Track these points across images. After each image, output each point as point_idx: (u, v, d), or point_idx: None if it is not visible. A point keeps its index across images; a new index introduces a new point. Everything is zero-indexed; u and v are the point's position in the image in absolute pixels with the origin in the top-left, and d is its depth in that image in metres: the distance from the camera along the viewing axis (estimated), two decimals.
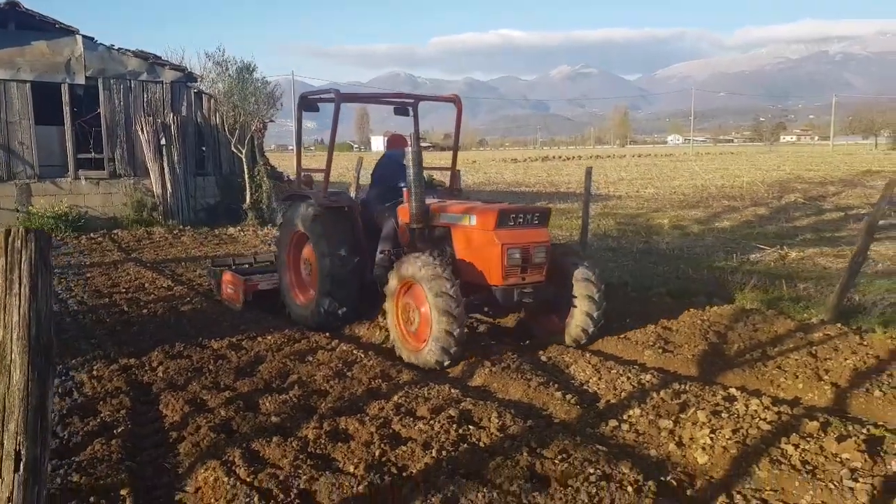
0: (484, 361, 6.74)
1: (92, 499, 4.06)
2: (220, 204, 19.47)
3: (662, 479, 4.33)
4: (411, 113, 9.34)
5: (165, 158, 18.27)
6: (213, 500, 4.10)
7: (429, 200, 7.60)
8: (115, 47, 18.63)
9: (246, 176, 18.63)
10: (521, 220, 7.00)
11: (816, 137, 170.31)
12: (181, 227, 17.95)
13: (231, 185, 19.48)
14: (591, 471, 4.30)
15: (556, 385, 5.99)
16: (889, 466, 4.43)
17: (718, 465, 4.61)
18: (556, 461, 4.46)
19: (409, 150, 7.09)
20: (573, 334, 7.22)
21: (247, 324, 8.20)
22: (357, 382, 6.12)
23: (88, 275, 11.99)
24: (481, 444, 4.77)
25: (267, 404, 5.57)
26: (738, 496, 4.07)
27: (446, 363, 6.57)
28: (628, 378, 6.11)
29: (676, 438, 4.99)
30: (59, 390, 6.07)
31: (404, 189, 7.70)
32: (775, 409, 5.26)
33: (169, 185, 18.29)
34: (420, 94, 9.47)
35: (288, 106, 28.59)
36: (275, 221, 18.63)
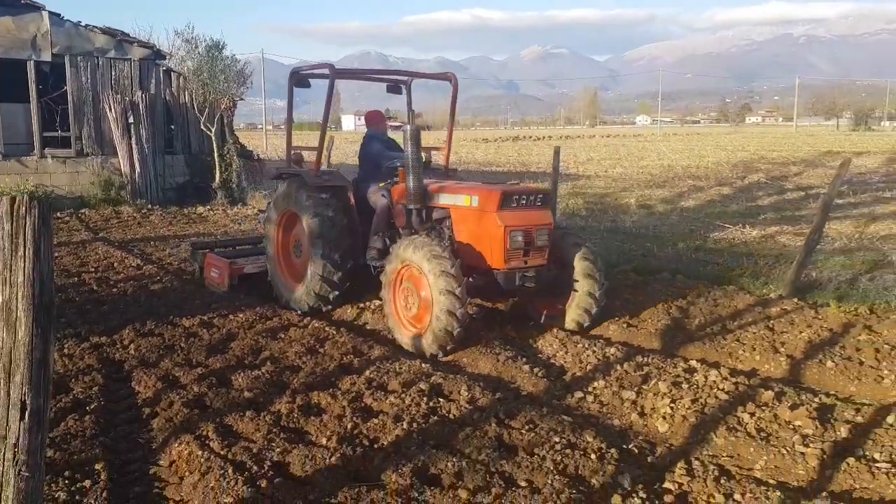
0: None
1: (67, 473, 4.12)
2: (189, 183, 19.31)
3: (625, 446, 4.52)
4: (404, 91, 9.15)
5: (133, 137, 18.05)
6: (187, 473, 4.19)
7: (425, 181, 7.40)
8: (83, 24, 18.29)
9: (215, 155, 18.50)
10: (524, 202, 6.80)
11: (780, 119, 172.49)
12: (149, 206, 17.79)
13: (200, 163, 19.31)
14: (557, 440, 4.47)
15: (524, 359, 6.17)
16: (838, 433, 4.67)
17: (678, 433, 4.82)
18: (524, 431, 4.62)
19: (407, 128, 6.86)
20: (574, 319, 7.03)
21: (218, 302, 8.23)
22: (329, 358, 6.22)
23: (56, 254, 11.87)
24: (451, 416, 4.91)
25: (239, 380, 5.65)
26: (697, 462, 4.26)
27: (448, 349, 6.37)
28: (593, 352, 6.30)
29: (639, 408, 5.19)
30: None
31: (399, 168, 7.56)
32: (733, 379, 5.48)
33: (137, 164, 18.09)
34: (415, 72, 9.25)
35: (257, 84, 28.35)
36: (245, 200, 18.56)
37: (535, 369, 5.92)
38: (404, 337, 6.73)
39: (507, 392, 5.51)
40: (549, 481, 3.93)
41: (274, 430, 4.68)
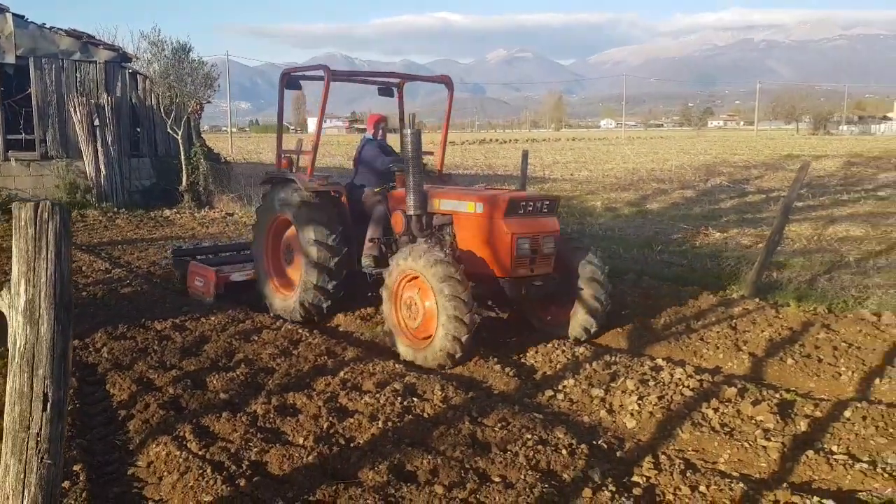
0: None
1: None
2: (155, 186, 19.13)
3: (594, 442, 4.66)
4: (396, 94, 8.86)
5: (99, 140, 17.84)
6: (165, 473, 4.24)
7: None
8: (47, 26, 18.04)
9: (182, 158, 18.36)
10: (531, 209, 6.61)
11: (742, 122, 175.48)
12: (116, 209, 17.59)
13: (167, 166, 19.14)
14: (529, 436, 4.59)
15: (496, 359, 6.29)
16: (798, 427, 4.87)
17: (645, 428, 4.97)
18: (496, 429, 4.74)
19: (407, 131, 6.64)
20: (578, 328, 6.83)
21: (189, 305, 8.23)
22: (303, 360, 6.28)
23: None
24: (425, 415, 5.01)
25: (215, 382, 5.69)
26: (664, 456, 4.41)
27: (456, 358, 6.10)
28: (563, 351, 6.45)
29: (607, 405, 5.35)
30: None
31: (397, 173, 7.42)
32: (697, 377, 5.67)
33: (103, 167, 17.88)
34: (411, 74, 9.06)
35: (222, 86, 28.15)
36: (212, 204, 18.45)
37: (507, 369, 6.05)
38: (409, 349, 6.47)
39: (480, 391, 5.63)
40: (522, 476, 4.05)
41: (251, 430, 4.74)
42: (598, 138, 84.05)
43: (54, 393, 2.72)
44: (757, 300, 7.93)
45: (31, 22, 17.82)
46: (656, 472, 4.20)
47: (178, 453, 4.36)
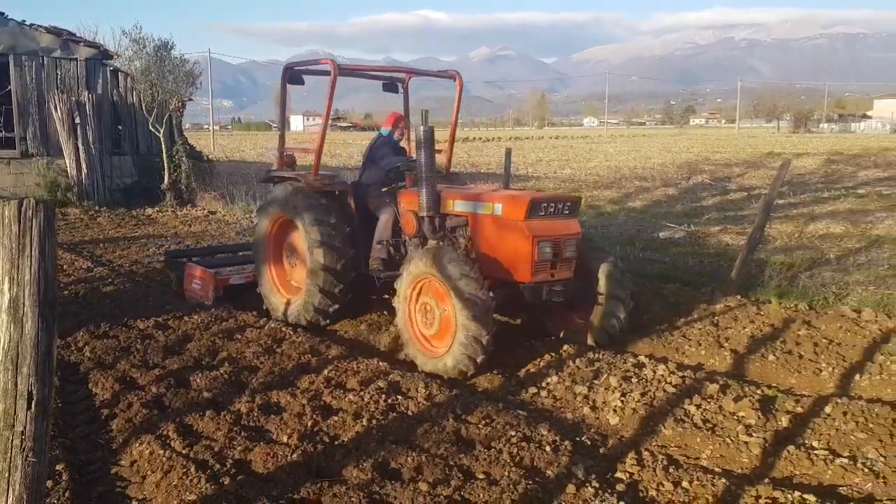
0: None
1: None
2: (137, 184, 19.00)
3: (578, 439, 4.70)
4: (401, 89, 8.60)
5: (80, 138, 17.69)
6: (149, 472, 4.22)
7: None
8: (27, 23, 17.86)
9: (164, 156, 18.23)
10: (553, 210, 6.31)
11: (723, 121, 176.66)
12: (97, 207, 17.45)
13: (149, 164, 19.02)
14: (513, 433, 4.61)
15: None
16: (779, 423, 4.92)
17: (628, 425, 5.01)
18: (481, 426, 4.76)
19: (421, 128, 6.36)
20: (598, 334, 6.60)
21: (172, 303, 8.18)
22: (287, 358, 6.27)
23: None
24: (410, 413, 5.03)
25: (198, 381, 5.67)
26: (646, 452, 4.45)
27: (473, 369, 5.83)
28: (546, 349, 6.48)
29: (590, 402, 5.38)
30: None
31: (406, 172, 7.20)
32: (680, 373, 5.71)
33: (84, 165, 17.73)
34: (418, 69, 8.79)
35: (204, 84, 27.92)
36: (194, 202, 18.34)
37: (491, 366, 6.05)
38: (423, 357, 6.18)
39: (464, 388, 5.64)
40: (506, 473, 4.07)
41: (235, 428, 4.73)
42: (580, 136, 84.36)
43: (39, 391, 2.70)
44: (738, 297, 8.00)
45: (11, 19, 17.65)
46: (639, 468, 4.23)
47: (161, 452, 4.35)
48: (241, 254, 9.51)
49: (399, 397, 5.28)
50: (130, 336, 6.95)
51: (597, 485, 3.98)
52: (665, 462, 4.27)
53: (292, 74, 7.67)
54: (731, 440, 4.70)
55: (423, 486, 3.94)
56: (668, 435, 4.85)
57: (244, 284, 8.37)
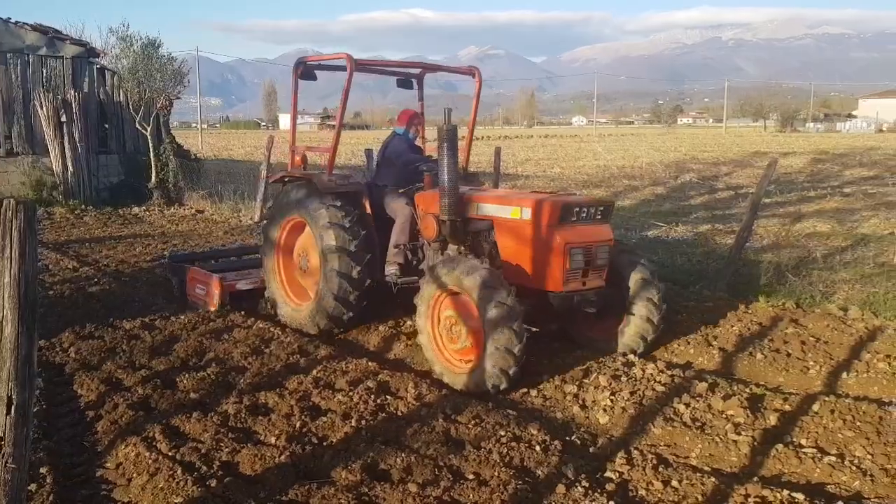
0: (400, 335, 6.98)
1: None
2: (124, 183, 18.85)
3: (568, 438, 4.69)
4: (415, 86, 8.30)
5: (66, 136, 17.52)
6: (135, 475, 4.19)
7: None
8: (13, 20, 17.69)
9: (151, 154, 18.10)
10: (585, 215, 5.99)
11: (711, 120, 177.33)
12: (83, 207, 17.30)
13: (136, 163, 18.88)
14: (503, 433, 4.61)
15: None
16: (768, 421, 4.93)
17: (618, 424, 5.01)
18: (470, 426, 4.74)
19: (444, 127, 5.96)
20: (629, 343, 6.27)
21: (159, 304, 8.12)
22: (275, 358, 6.23)
23: None
24: (399, 413, 5.01)
25: (185, 382, 5.63)
26: (636, 451, 4.45)
27: (506, 382, 5.43)
28: (536, 348, 6.45)
29: (580, 401, 5.37)
30: None
31: (426, 173, 6.89)
32: (669, 372, 5.72)
33: (70, 164, 17.57)
34: (436, 65, 8.41)
35: (192, 82, 27.79)
36: (182, 201, 18.24)
37: None
38: (451, 374, 5.75)
39: (454, 388, 5.62)
40: (496, 473, 4.06)
41: (222, 430, 4.70)
42: (569, 135, 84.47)
43: (18, 395, 2.66)
44: (726, 296, 8.02)
45: None
46: (629, 467, 4.23)
47: (147, 454, 4.31)
48: (246, 257, 9.24)
49: (388, 397, 5.26)
50: (116, 337, 6.89)
51: (587, 484, 3.97)
52: (655, 461, 4.27)
53: (305, 69, 7.30)
54: (720, 439, 4.71)
55: (413, 487, 3.92)
56: (657, 434, 4.85)
57: (256, 290, 8.00)
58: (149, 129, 17.90)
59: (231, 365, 6.09)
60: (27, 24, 17.95)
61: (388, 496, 3.87)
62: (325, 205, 6.83)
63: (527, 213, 5.95)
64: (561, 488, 3.93)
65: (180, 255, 9.57)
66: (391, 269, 6.90)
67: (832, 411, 4.95)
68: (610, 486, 4.02)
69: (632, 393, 5.36)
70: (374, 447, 4.41)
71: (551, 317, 6.29)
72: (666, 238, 12.15)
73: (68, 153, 17.57)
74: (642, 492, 3.99)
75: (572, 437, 4.72)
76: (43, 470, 4.22)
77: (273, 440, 4.57)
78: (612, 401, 5.28)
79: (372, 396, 5.22)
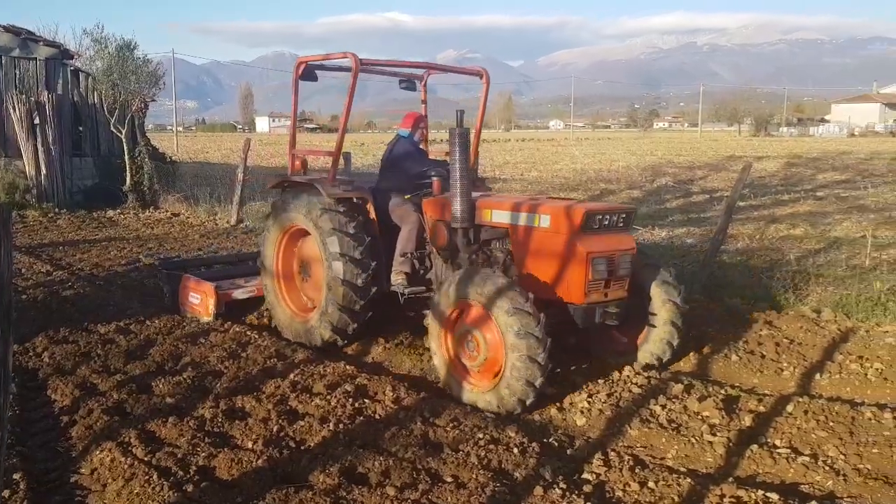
0: (378, 338, 6.96)
1: None
2: (98, 186, 18.64)
3: (545, 440, 4.71)
4: (419, 87, 8.07)
5: (39, 138, 17.31)
6: (110, 480, 4.14)
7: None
8: None
9: (126, 157, 17.92)
10: (607, 223, 5.72)
11: (686, 124, 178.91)
12: (57, 210, 17.09)
13: (110, 166, 18.67)
14: (481, 436, 4.62)
15: None
16: (743, 422, 5.00)
17: (595, 426, 5.04)
18: (448, 429, 4.75)
19: (456, 130, 5.75)
20: (650, 356, 6.07)
21: (134, 308, 8.04)
22: (252, 362, 6.20)
23: None
24: (377, 416, 5.00)
25: (161, 386, 5.57)
26: (613, 453, 4.48)
27: (532, 396, 5.14)
28: None
29: (557, 404, 5.39)
30: None
31: (435, 178, 6.67)
32: (645, 374, 5.77)
33: (43, 167, 17.35)
34: (444, 65, 8.18)
35: (168, 84, 27.48)
36: (157, 204, 18.07)
37: None
38: (471, 393, 5.43)
39: (432, 391, 5.63)
40: (474, 476, 4.06)
41: (198, 434, 4.66)
42: (547, 139, 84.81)
43: None
44: (702, 298, 8.09)
45: None
46: (606, 468, 4.26)
47: (123, 459, 4.27)
48: (242, 265, 8.96)
49: (366, 401, 5.25)
50: (91, 341, 6.81)
51: (564, 486, 3.99)
52: (631, 462, 4.30)
53: (306, 70, 6.92)
54: (696, 440, 4.76)
55: (391, 491, 3.92)
56: (634, 435, 4.89)
57: (253, 299, 7.78)
58: (124, 132, 17.72)
59: (207, 369, 6.05)
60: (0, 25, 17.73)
61: (366, 499, 3.86)
62: (329, 210, 6.58)
63: (546, 221, 5.71)
64: (538, 490, 3.95)
65: (173, 262, 9.26)
66: (398, 279, 6.63)
67: (806, 412, 5.02)
68: (587, 488, 4.04)
69: (609, 395, 5.40)
70: (352, 451, 4.39)
71: (569, 330, 5.87)
72: (642, 241, 12.24)
73: (42, 156, 17.36)
74: (619, 493, 4.01)
75: (550, 439, 4.74)
76: (16, 476, 4.16)
77: (250, 444, 4.54)
78: (589, 403, 5.31)
79: (350, 400, 5.21)
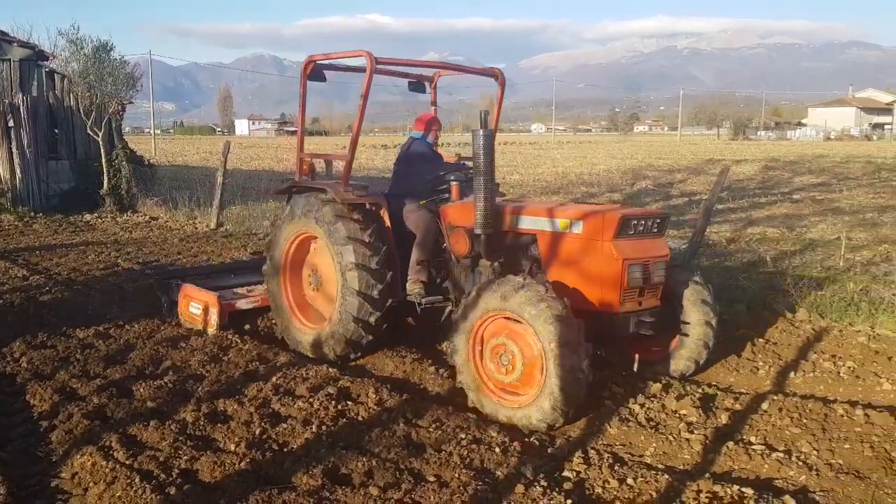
0: None
1: None
2: (75, 189, 18.48)
3: (526, 439, 4.76)
4: (428, 89, 7.86)
5: (14, 141, 17.15)
6: (91, 484, 4.13)
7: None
8: None
9: (103, 160, 17.79)
10: (642, 228, 5.49)
11: (666, 128, 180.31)
12: (33, 214, 16.95)
13: (87, 169, 18.50)
14: (463, 436, 4.67)
15: (430, 361, 6.34)
16: (719, 420, 5.09)
17: (576, 425, 5.10)
18: (431, 429, 4.79)
19: (480, 132, 5.44)
20: (682, 365, 5.89)
21: (113, 312, 8.00)
22: (234, 366, 6.19)
23: None
24: (360, 418, 5.03)
25: (141, 390, 5.56)
26: (593, 451, 4.55)
27: (573, 407, 4.91)
28: None
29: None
30: None
31: (454, 182, 6.43)
32: (624, 373, 5.83)
33: (18, 170, 17.20)
34: (459, 65, 7.89)
35: (145, 86, 27.29)
36: (135, 207, 17.95)
37: (441, 370, 6.09)
38: (507, 410, 5.11)
39: (414, 393, 5.66)
40: (457, 475, 4.11)
41: (180, 438, 4.66)
42: (529, 143, 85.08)
43: None
44: None
45: None
46: (586, 466, 4.32)
47: (104, 463, 4.26)
48: (242, 273, 8.58)
49: (349, 403, 5.27)
50: (70, 346, 6.77)
51: (545, 484, 4.05)
52: (611, 460, 4.36)
53: (315, 69, 6.58)
54: (674, 437, 4.84)
55: (374, 491, 3.95)
56: (613, 434, 4.96)
57: (257, 310, 7.51)
58: (100, 135, 17.59)
59: (189, 373, 6.04)
60: None
61: (349, 500, 3.89)
62: (343, 218, 6.24)
63: (578, 227, 5.48)
64: (520, 488, 4.00)
65: (170, 271, 8.93)
66: (415, 288, 6.34)
67: (780, 410, 5.12)
68: (567, 485, 4.10)
69: (588, 394, 5.45)
70: (335, 452, 4.42)
71: (597, 341, 5.36)
72: None
73: (16, 159, 17.21)
74: (599, 490, 4.07)
75: (531, 439, 4.79)
76: None
77: (233, 447, 4.55)
78: None
79: (332, 402, 5.23)
